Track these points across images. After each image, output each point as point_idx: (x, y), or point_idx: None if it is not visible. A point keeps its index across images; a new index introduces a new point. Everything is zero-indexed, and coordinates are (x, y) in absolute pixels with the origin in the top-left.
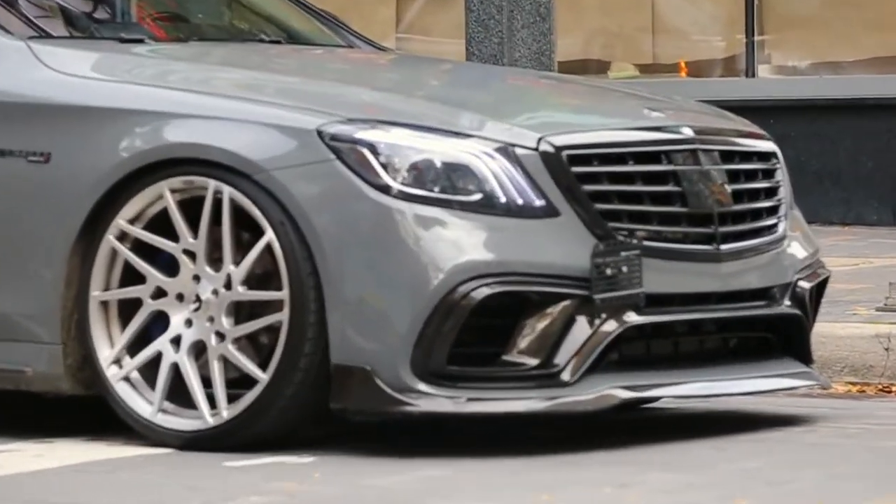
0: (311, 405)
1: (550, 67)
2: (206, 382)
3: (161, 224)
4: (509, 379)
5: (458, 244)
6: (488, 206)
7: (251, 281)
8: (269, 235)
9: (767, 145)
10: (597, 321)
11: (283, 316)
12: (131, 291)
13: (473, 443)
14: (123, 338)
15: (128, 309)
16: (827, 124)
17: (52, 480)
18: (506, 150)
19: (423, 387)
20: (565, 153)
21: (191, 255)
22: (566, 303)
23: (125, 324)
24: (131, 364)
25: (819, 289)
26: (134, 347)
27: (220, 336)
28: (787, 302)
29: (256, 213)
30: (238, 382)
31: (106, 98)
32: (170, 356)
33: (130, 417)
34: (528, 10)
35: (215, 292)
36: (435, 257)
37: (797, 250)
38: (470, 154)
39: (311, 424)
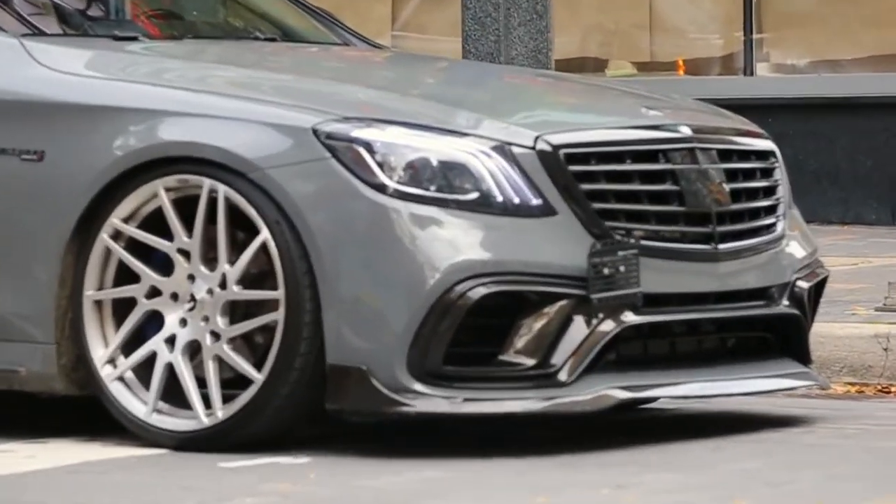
0: (306, 405)
1: (547, 65)
2: (201, 382)
3: (156, 223)
4: (506, 379)
5: (454, 243)
6: (485, 205)
7: (246, 280)
8: (265, 234)
9: (766, 144)
10: (594, 321)
11: (279, 315)
12: (126, 291)
13: (470, 443)
14: (118, 337)
15: (122, 308)
16: (825, 123)
17: (45, 481)
18: (502, 149)
19: (419, 387)
20: (562, 152)
21: (185, 254)
22: (563, 302)
23: (119, 323)
24: (125, 364)
25: (818, 288)
26: (128, 347)
27: (215, 336)
28: (785, 302)
29: (252, 211)
30: (233, 382)
31: (100, 96)
32: (164, 356)
33: (125, 418)
34: (524, 7)
35: (210, 292)
36: (431, 256)
37: (796, 250)
38: (466, 153)
39: (307, 425)
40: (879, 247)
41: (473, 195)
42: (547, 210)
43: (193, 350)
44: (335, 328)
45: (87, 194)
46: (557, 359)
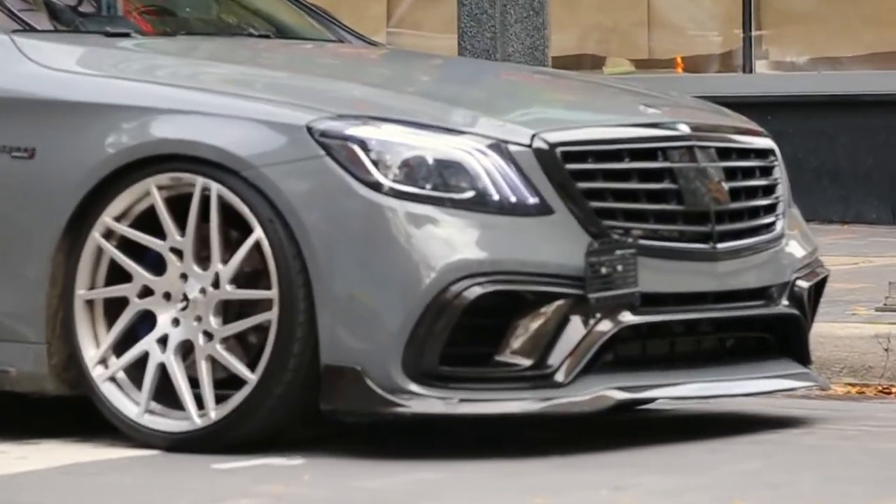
0: (300, 406)
1: (544, 63)
2: (194, 383)
3: (148, 221)
4: (502, 380)
5: (450, 242)
6: (481, 203)
7: (239, 279)
8: (258, 233)
9: (765, 142)
10: (591, 321)
11: (272, 315)
12: (117, 290)
13: (466, 445)
14: (109, 337)
15: (114, 308)
16: (825, 121)
17: (36, 482)
18: (499, 147)
19: (414, 387)
20: (559, 150)
21: (178, 253)
22: (560, 302)
23: (111, 323)
24: (117, 364)
25: (818, 288)
26: (120, 347)
27: (208, 335)
28: (785, 301)
29: (245, 210)
30: (226, 383)
31: (91, 93)
32: (156, 356)
33: (116, 418)
34: (521, 4)
35: (203, 291)
36: (427, 256)
37: (795, 249)
38: (462, 151)
39: (301, 425)
40: (880, 246)
41: (469, 194)
42: (544, 209)
43: (186, 350)
44: (329, 328)
45: (79, 192)
46: (554, 359)
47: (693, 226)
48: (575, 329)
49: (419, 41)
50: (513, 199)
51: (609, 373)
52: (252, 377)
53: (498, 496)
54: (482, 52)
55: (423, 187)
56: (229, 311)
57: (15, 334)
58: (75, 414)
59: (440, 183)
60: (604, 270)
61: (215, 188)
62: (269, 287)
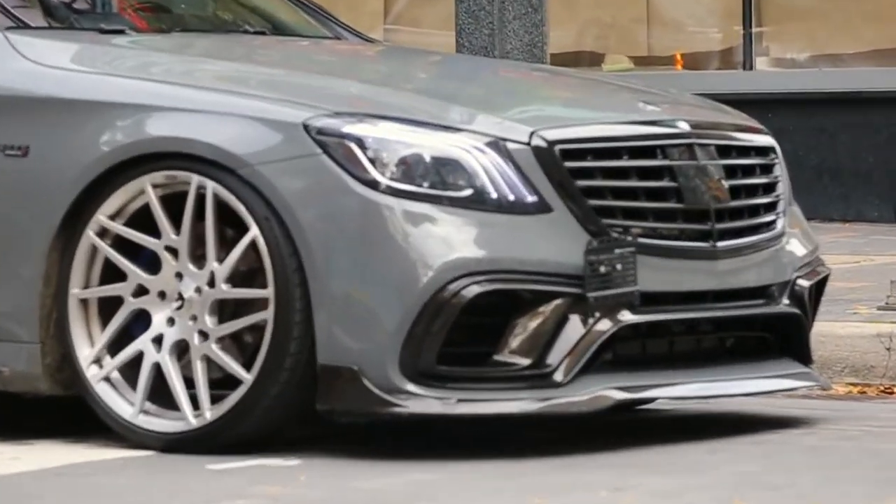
0: (296, 406)
1: (543, 60)
2: (189, 383)
3: (143, 220)
4: (500, 379)
5: (447, 241)
6: (479, 201)
7: (235, 278)
8: (254, 231)
9: (765, 140)
10: (590, 320)
11: (268, 314)
12: (112, 289)
13: (464, 445)
14: (104, 337)
15: (108, 307)
16: (826, 118)
17: (29, 484)
18: (497, 145)
19: (411, 387)
20: (558, 147)
21: (173, 251)
22: (559, 301)
23: (105, 322)
24: (112, 364)
25: (819, 287)
26: (114, 347)
27: (204, 335)
28: (785, 300)
29: (241, 208)
30: (222, 383)
31: (86, 90)
32: (151, 356)
33: (111, 419)
34: (519, 0)
35: (198, 290)
36: (424, 254)
37: (796, 247)
38: (460, 148)
39: (297, 426)
40: (881, 244)
41: (467, 192)
42: (542, 207)
43: (181, 350)
44: (326, 327)
45: (73, 190)
46: (553, 359)
47: (693, 224)
48: (574, 328)
49: (416, 38)
50: (511, 197)
51: (608, 372)
52: (248, 377)
53: (496, 497)
54: (480, 48)
55: (420, 185)
56: (225, 310)
57: (8, 334)
58: (69, 414)
59: (438, 181)
60: (603, 269)
61: (211, 186)
62: (264, 286)
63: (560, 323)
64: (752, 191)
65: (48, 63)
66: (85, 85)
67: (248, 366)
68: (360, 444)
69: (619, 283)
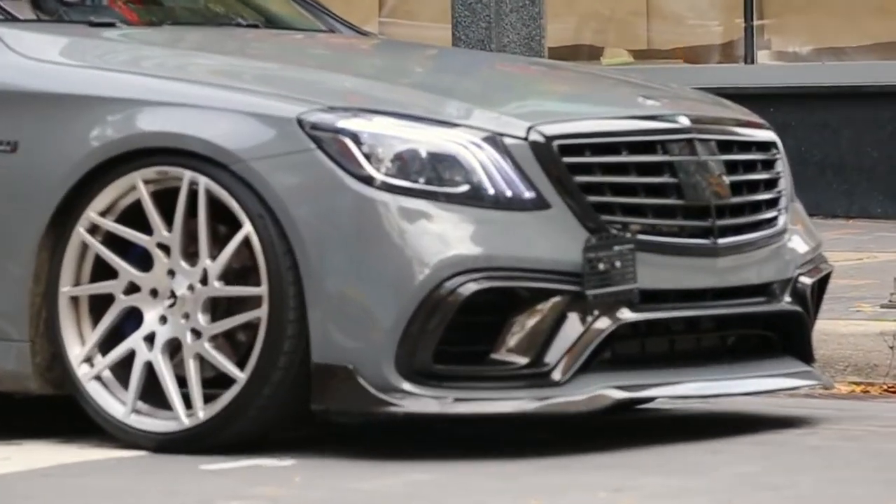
0: (291, 405)
1: (540, 53)
2: (182, 382)
3: (134, 216)
4: (498, 378)
5: (443, 238)
6: (475, 198)
7: (228, 276)
8: (247, 228)
9: (767, 135)
10: (589, 318)
11: (262, 312)
12: (103, 287)
13: (461, 445)
14: (95, 335)
15: (99, 305)
16: (829, 112)
17: (19, 485)
18: (494, 140)
19: (407, 386)
20: (556, 143)
21: (165, 248)
22: (557, 299)
23: (96, 320)
24: (103, 363)
25: (821, 284)
26: (106, 345)
27: (196, 333)
28: (787, 298)
29: (234, 205)
30: (215, 382)
31: (76, 85)
32: (143, 354)
33: (102, 418)
34: None
35: (191, 288)
36: (420, 251)
37: (798, 244)
38: (456, 144)
39: (292, 425)
40: (885, 241)
41: (464, 188)
42: (540, 203)
43: (173, 348)
44: (320, 326)
45: (63, 187)
46: (551, 357)
47: (693, 220)
48: (572, 326)
49: (412, 31)
50: (508, 193)
51: (607, 371)
52: (241, 376)
53: (494, 497)
54: (477, 42)
55: (416, 181)
56: (218, 308)
57: None
58: (60, 414)
59: (434, 177)
60: (602, 266)
61: (203, 182)
62: (258, 284)
63: (558, 321)
64: (754, 187)
65: (37, 56)
66: (75, 79)
67: (241, 365)
68: (356, 444)
69: (619, 281)
